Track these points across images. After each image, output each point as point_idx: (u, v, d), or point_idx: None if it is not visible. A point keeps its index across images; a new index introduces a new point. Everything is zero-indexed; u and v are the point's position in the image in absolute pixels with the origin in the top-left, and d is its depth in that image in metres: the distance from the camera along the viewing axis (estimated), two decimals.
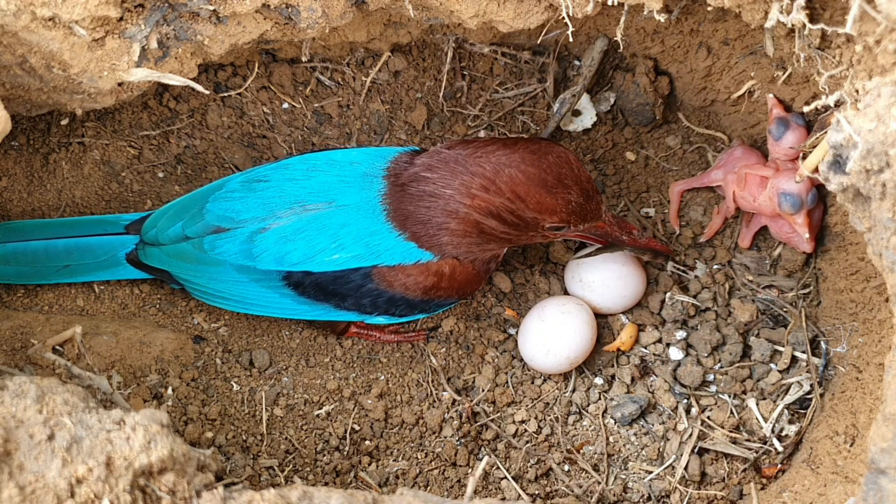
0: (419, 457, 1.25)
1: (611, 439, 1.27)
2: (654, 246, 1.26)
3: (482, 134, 1.40)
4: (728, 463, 1.24)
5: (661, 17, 1.08)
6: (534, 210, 1.14)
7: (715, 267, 1.35)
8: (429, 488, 1.23)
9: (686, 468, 1.24)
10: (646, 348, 1.31)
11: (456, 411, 1.27)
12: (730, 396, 1.27)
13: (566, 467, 1.26)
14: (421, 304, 1.23)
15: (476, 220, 1.15)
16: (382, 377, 1.29)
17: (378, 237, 1.17)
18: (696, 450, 1.25)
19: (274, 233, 1.18)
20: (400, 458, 1.25)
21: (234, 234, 1.20)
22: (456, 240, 1.18)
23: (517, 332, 1.31)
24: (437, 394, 1.29)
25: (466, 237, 1.17)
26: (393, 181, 1.18)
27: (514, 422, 1.27)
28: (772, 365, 1.28)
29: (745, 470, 1.23)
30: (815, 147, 1.14)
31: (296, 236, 1.18)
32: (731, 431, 1.25)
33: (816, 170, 1.09)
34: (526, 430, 1.27)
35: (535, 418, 1.28)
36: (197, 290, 1.25)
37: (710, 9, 1.14)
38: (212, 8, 1.10)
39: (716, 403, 1.27)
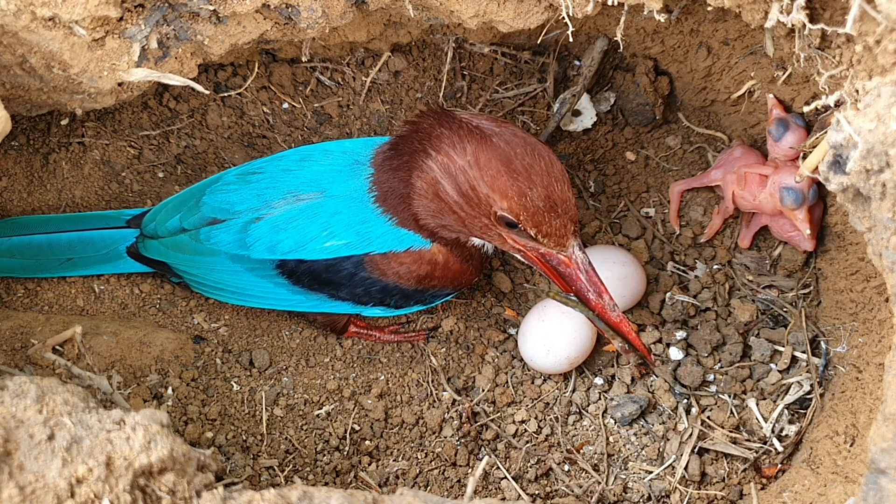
0: (419, 457, 1.25)
1: (611, 439, 1.27)
2: (629, 336, 1.18)
3: None
4: (728, 463, 1.24)
5: (661, 17, 1.08)
6: (487, 185, 1.08)
7: (715, 267, 1.35)
8: (429, 488, 1.23)
9: (686, 468, 1.24)
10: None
11: (456, 411, 1.27)
12: (730, 396, 1.27)
13: (566, 467, 1.26)
14: (416, 294, 1.22)
15: (435, 177, 1.11)
16: (382, 377, 1.29)
17: (368, 225, 1.18)
18: (696, 450, 1.25)
19: (267, 222, 1.19)
20: (400, 458, 1.25)
21: (228, 224, 1.21)
22: (419, 202, 1.14)
23: (517, 332, 1.31)
24: (437, 394, 1.29)
25: (424, 199, 1.13)
26: (378, 164, 1.18)
27: (514, 422, 1.27)
28: (772, 365, 1.28)
29: (745, 470, 1.23)
30: (815, 147, 1.14)
31: (288, 225, 1.19)
32: (731, 431, 1.25)
33: (816, 170, 1.09)
34: (526, 430, 1.27)
35: (535, 418, 1.28)
36: (194, 281, 1.26)
37: (710, 9, 1.14)
38: (212, 8, 1.10)
39: (716, 403, 1.27)
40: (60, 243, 1.27)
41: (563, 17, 1.11)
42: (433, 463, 1.25)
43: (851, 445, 1.12)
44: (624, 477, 1.25)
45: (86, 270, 1.29)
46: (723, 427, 1.25)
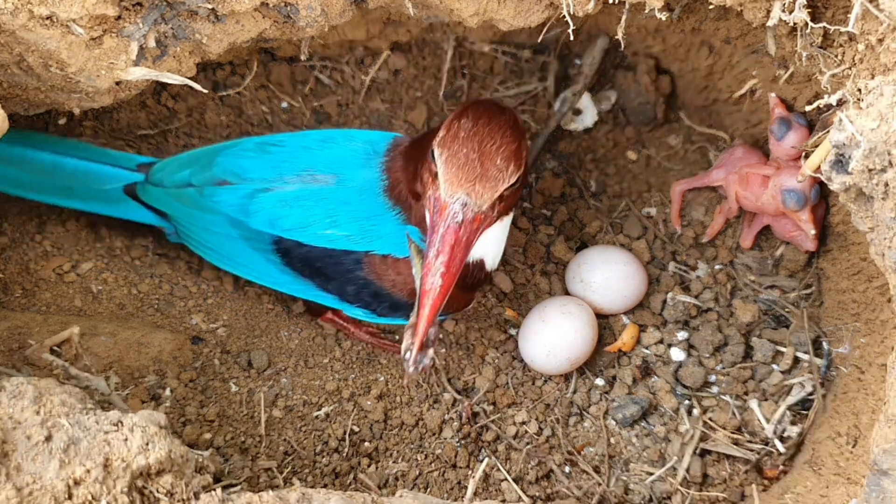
0: (419, 458, 1.25)
1: (612, 441, 1.26)
2: (421, 311, 1.05)
3: None
4: (730, 464, 1.24)
5: (663, 16, 1.07)
6: (445, 124, 1.07)
7: (717, 267, 1.34)
8: (428, 490, 1.23)
9: (688, 470, 1.23)
10: (647, 349, 1.30)
11: (456, 412, 1.27)
12: (731, 397, 1.27)
13: (567, 469, 1.25)
14: (406, 307, 1.19)
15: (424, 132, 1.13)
16: (382, 378, 1.29)
17: (374, 221, 1.16)
18: (697, 451, 1.24)
19: (275, 195, 1.18)
20: (399, 460, 1.25)
21: (237, 187, 1.20)
22: (407, 155, 1.14)
23: (518, 333, 1.30)
24: (437, 394, 1.28)
25: (410, 150, 1.14)
26: (392, 152, 1.17)
27: (514, 423, 1.27)
28: (774, 366, 1.28)
29: (746, 471, 1.23)
30: (817, 146, 1.13)
31: (294, 202, 1.17)
32: (732, 433, 1.24)
33: (819, 169, 1.09)
34: (526, 432, 1.27)
35: (536, 419, 1.27)
36: (188, 236, 1.25)
37: (711, 7, 1.13)
38: (210, 6, 1.09)
39: (717, 404, 1.27)
40: (65, 167, 1.25)
41: (564, 16, 1.10)
42: (433, 464, 1.25)
43: (854, 446, 1.12)
44: (625, 478, 1.25)
45: (82, 204, 1.27)
46: (724, 428, 1.25)
